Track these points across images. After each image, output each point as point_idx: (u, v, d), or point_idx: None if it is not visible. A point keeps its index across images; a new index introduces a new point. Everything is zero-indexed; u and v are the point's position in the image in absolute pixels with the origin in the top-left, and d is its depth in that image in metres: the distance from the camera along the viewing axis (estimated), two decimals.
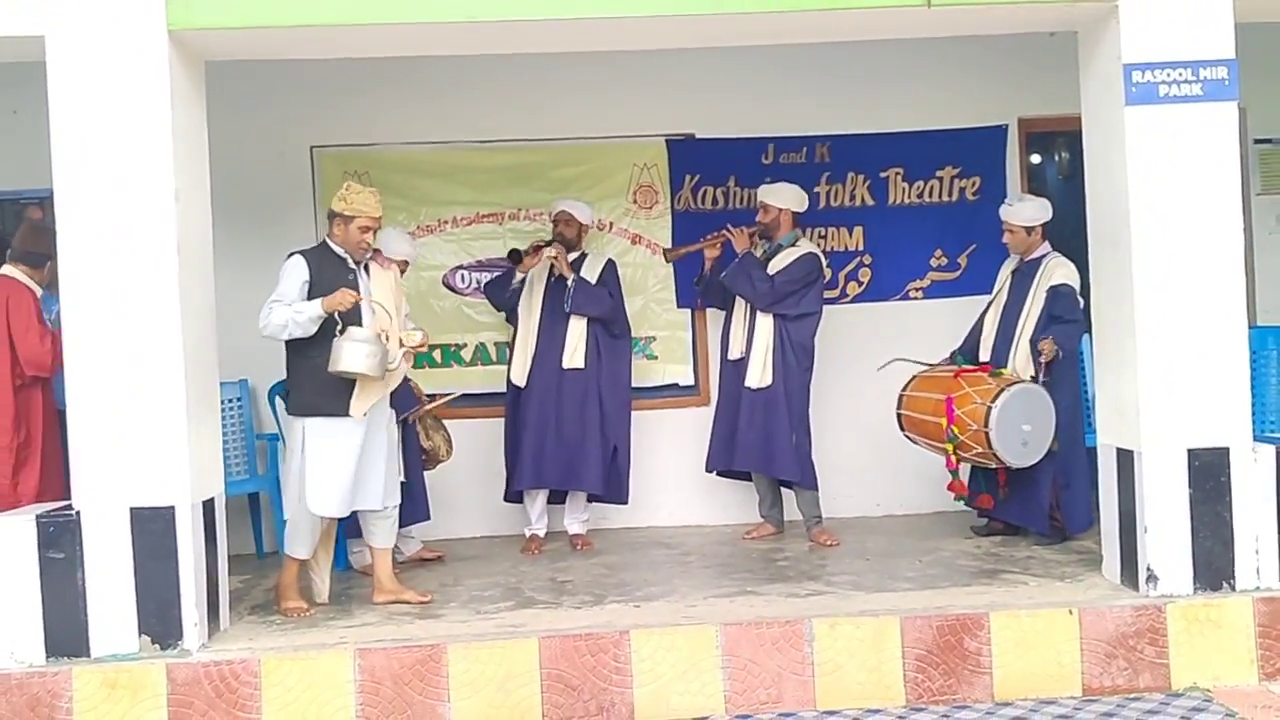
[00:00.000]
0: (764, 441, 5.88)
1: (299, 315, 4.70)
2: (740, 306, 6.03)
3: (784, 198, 5.99)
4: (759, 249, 6.00)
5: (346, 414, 4.74)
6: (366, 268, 4.95)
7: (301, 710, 4.21)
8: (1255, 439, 4.79)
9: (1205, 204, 4.50)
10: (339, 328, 4.70)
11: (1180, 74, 4.48)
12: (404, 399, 5.35)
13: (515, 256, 5.96)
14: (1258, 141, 6.83)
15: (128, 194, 4.31)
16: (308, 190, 6.46)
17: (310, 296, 4.75)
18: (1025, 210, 5.63)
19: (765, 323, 5.90)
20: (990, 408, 5.15)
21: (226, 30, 4.37)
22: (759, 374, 5.88)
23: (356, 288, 4.79)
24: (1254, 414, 5.65)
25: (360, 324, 4.76)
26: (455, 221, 6.57)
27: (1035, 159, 7.50)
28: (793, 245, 5.97)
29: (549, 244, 5.98)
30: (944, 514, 6.30)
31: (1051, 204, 5.71)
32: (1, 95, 6.12)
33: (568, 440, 5.95)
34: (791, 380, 5.89)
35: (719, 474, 6.22)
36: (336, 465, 4.75)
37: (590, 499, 6.16)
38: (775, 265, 5.90)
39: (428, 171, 6.52)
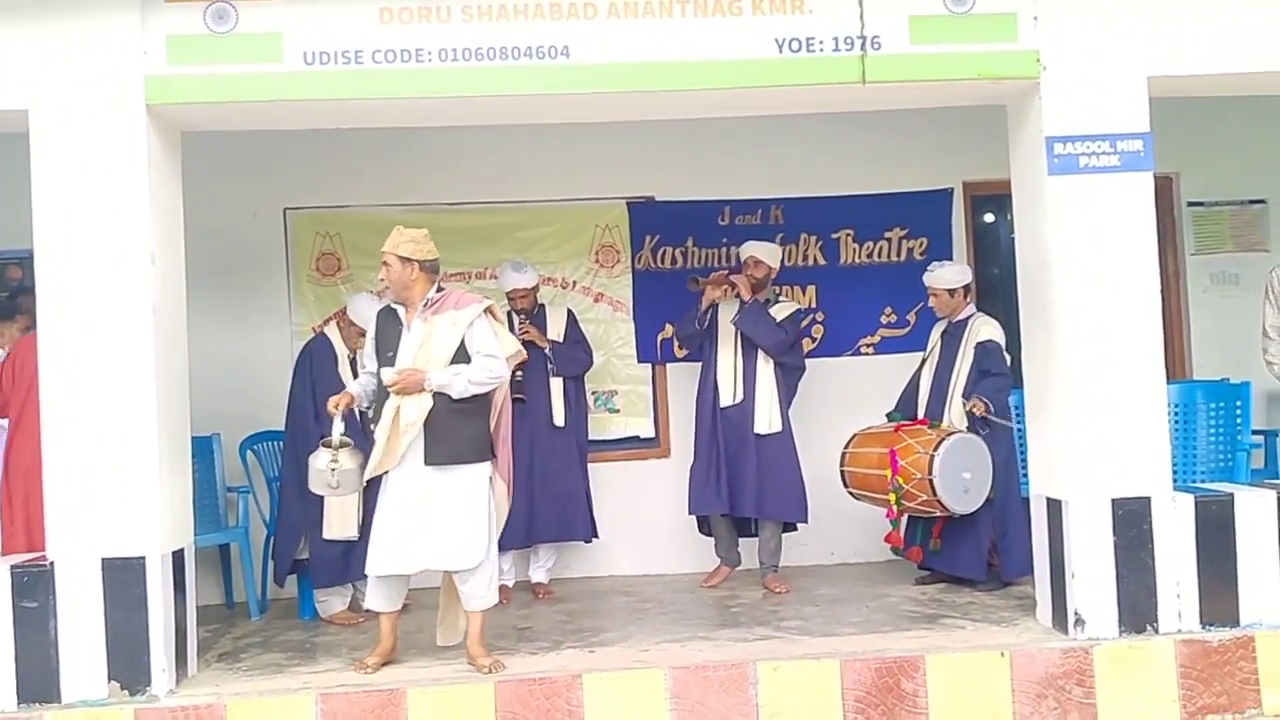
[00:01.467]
0: (777, 487, 6.03)
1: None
2: (730, 354, 6.13)
3: (775, 257, 6.24)
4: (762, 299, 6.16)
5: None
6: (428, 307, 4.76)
7: None
8: (1186, 489, 5.06)
9: (1124, 267, 4.78)
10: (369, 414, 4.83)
11: (1099, 146, 4.78)
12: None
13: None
14: (1190, 204, 7.17)
15: (105, 257, 4.53)
16: (280, 250, 6.70)
17: (377, 354, 4.81)
18: (947, 275, 5.96)
19: (767, 369, 6.07)
20: (933, 456, 5.41)
21: (202, 105, 4.62)
22: (767, 420, 6.05)
23: (396, 339, 4.73)
24: (1185, 465, 5.95)
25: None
26: None
27: (989, 218, 7.81)
28: (777, 301, 6.24)
29: (522, 332, 6.09)
30: (895, 563, 6.50)
31: (1005, 264, 6.00)
32: None
33: (558, 496, 6.17)
34: (788, 426, 6.12)
35: (699, 525, 6.39)
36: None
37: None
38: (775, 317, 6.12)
39: None
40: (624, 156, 6.77)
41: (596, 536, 6.39)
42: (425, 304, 4.75)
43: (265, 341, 6.60)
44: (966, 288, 6.01)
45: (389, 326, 4.82)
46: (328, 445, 4.69)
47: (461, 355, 4.66)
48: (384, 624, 4.82)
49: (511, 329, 6.04)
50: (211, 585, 6.30)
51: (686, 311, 6.27)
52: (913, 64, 4.71)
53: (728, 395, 6.14)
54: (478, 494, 4.70)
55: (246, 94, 4.60)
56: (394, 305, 4.86)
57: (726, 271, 6.30)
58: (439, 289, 4.81)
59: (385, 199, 6.72)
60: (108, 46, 4.54)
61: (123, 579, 4.47)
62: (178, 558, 4.67)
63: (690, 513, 6.34)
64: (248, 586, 6.06)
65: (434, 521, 4.62)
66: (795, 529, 6.29)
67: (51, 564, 4.49)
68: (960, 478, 5.43)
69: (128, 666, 4.48)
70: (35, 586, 4.47)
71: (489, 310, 4.79)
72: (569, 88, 4.71)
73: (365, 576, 4.84)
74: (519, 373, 5.79)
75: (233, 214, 6.55)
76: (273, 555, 5.96)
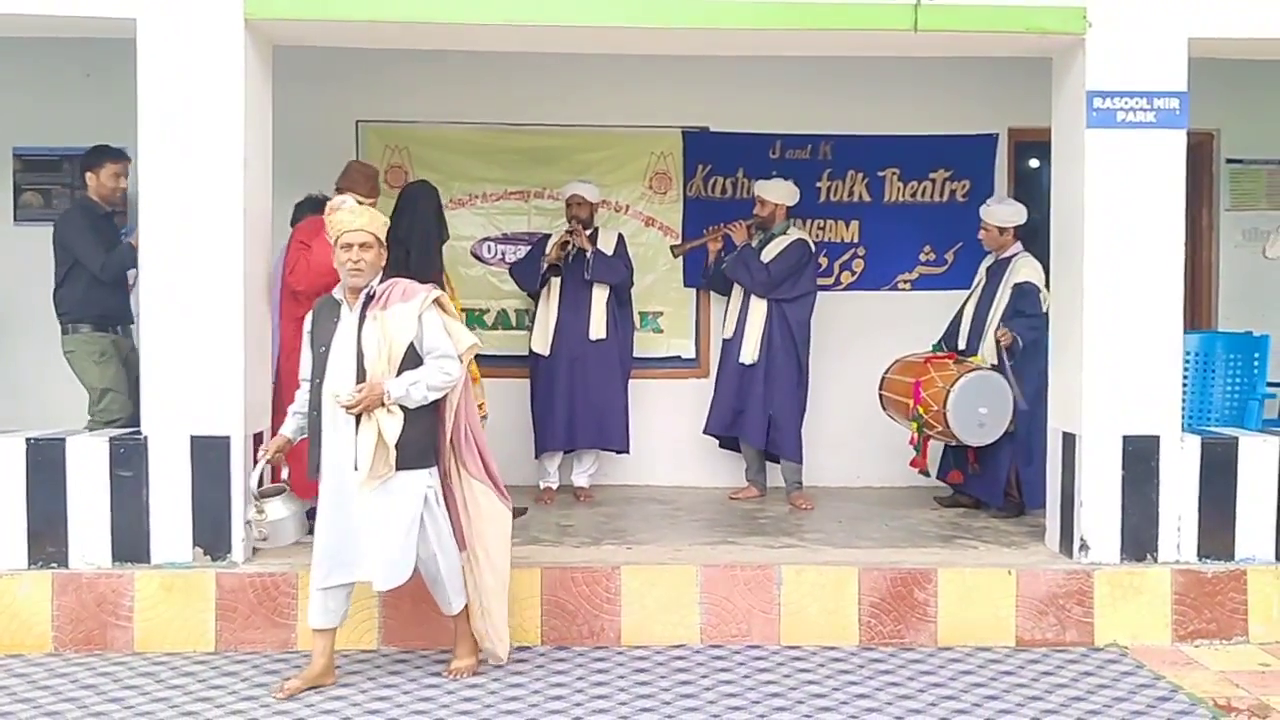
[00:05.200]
0: (746, 413, 6.55)
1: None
2: (736, 292, 6.67)
3: (778, 193, 6.61)
4: (755, 239, 6.58)
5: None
6: (366, 305, 4.29)
7: None
8: (1195, 431, 5.38)
9: (1152, 220, 5.06)
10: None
11: (1137, 102, 5.03)
12: None
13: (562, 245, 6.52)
14: (1229, 161, 7.36)
15: (202, 160, 4.90)
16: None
17: (311, 347, 4.39)
18: (1001, 211, 6.23)
19: (759, 306, 6.53)
20: (948, 390, 5.75)
21: (298, 21, 4.96)
22: (751, 352, 6.52)
23: (332, 334, 4.29)
24: (1199, 410, 6.26)
25: (325, 372, 4.30)
26: (485, 197, 7.17)
27: (1033, 163, 8.02)
28: (784, 234, 6.57)
29: (569, 232, 6.53)
30: (918, 488, 6.86)
31: (1045, 208, 6.25)
32: (76, 59, 6.71)
33: (595, 405, 6.58)
34: (777, 359, 6.50)
35: (720, 443, 6.85)
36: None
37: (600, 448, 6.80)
38: (769, 253, 6.51)
39: (461, 149, 7.11)
40: (681, 87, 7.04)
41: (627, 451, 6.79)
42: (372, 297, 4.29)
43: None
44: (1017, 228, 6.28)
45: (327, 319, 4.34)
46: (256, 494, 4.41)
47: (411, 353, 4.28)
48: (317, 643, 4.39)
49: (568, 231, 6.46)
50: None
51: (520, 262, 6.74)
52: (964, 15, 4.96)
53: (728, 329, 6.67)
54: (408, 505, 4.28)
55: (341, 12, 4.92)
56: (337, 296, 4.36)
57: (720, 226, 6.72)
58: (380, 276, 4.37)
59: (452, 116, 7.06)
60: None
61: (209, 455, 4.91)
62: (258, 439, 5.10)
63: (703, 431, 6.82)
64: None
65: (364, 532, 4.28)
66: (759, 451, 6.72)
67: (145, 438, 4.94)
68: (976, 412, 5.78)
69: (211, 534, 4.95)
70: (130, 458, 4.92)
71: (437, 301, 4.38)
72: (633, 20, 4.99)
73: None
74: (569, 236, 6.35)
75: (307, 125, 6.84)
76: None
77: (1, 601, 4.80)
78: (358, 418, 4.23)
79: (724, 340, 6.72)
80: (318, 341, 4.35)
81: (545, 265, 6.56)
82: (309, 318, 4.45)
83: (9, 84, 6.82)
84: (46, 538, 4.89)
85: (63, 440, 4.95)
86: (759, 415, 6.52)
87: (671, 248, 7.08)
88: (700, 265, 7.00)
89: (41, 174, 7.03)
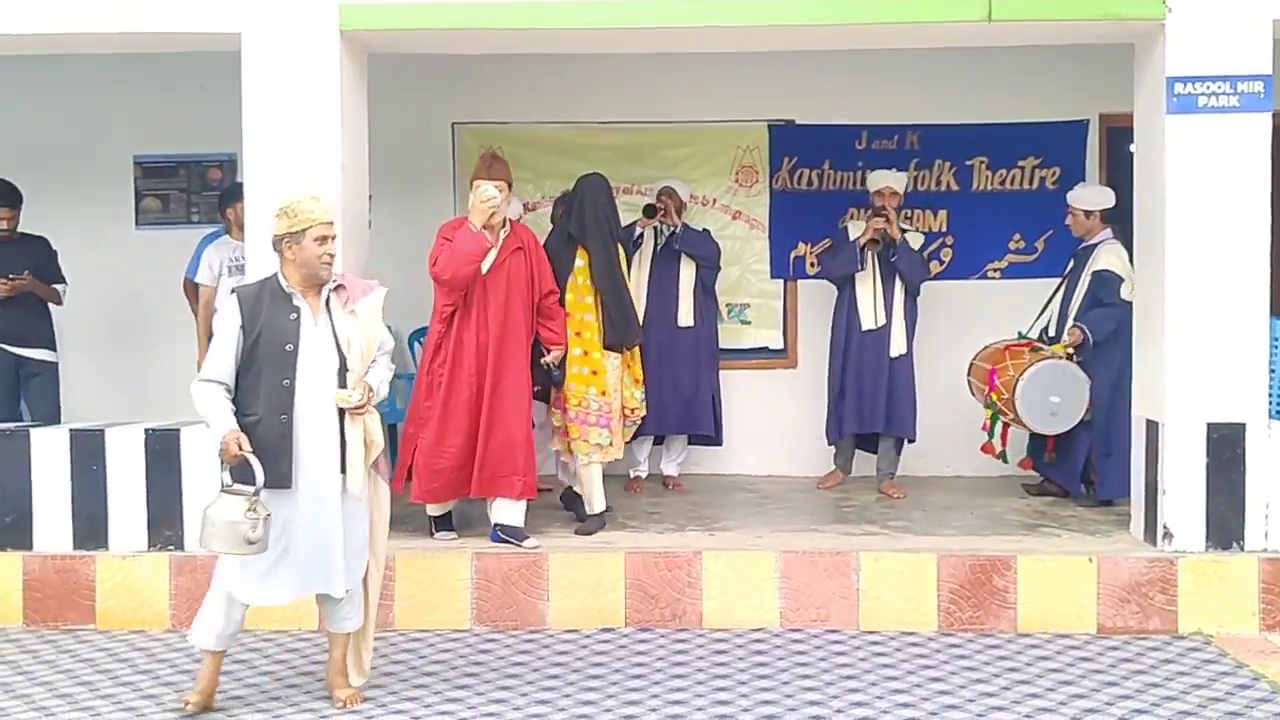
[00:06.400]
0: (898, 405, 6.52)
1: (211, 423, 3.97)
2: (870, 282, 6.49)
3: (903, 183, 6.61)
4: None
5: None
6: (329, 301, 4.10)
7: (426, 599, 5.10)
8: (1273, 418, 5.30)
9: (1235, 204, 5.01)
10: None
11: (1219, 86, 4.98)
12: None
13: (650, 211, 6.57)
14: None
15: (303, 164, 5.17)
16: (448, 161, 7.34)
17: (246, 345, 3.99)
18: (1086, 195, 6.22)
19: (901, 296, 6.52)
20: (1018, 380, 5.77)
21: (390, 31, 5.21)
22: (901, 342, 6.52)
23: (296, 330, 4.01)
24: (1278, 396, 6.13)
25: (296, 372, 4.00)
26: None
27: (1131, 149, 7.90)
28: (910, 229, 6.64)
29: (655, 206, 6.60)
30: (1007, 478, 6.85)
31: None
32: (191, 71, 7.07)
33: (684, 391, 6.71)
34: (913, 350, 6.58)
35: (856, 441, 6.78)
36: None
37: (691, 440, 6.92)
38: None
39: (553, 148, 7.31)
40: (766, 81, 7.13)
41: (720, 442, 6.88)
42: (335, 289, 4.13)
43: (431, 243, 7.21)
44: (1104, 212, 6.23)
45: (279, 314, 4.03)
46: (235, 492, 3.85)
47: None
48: (212, 664, 4.17)
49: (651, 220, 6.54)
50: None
51: (834, 251, 6.70)
52: (1039, 3, 4.98)
53: (869, 320, 6.54)
54: (365, 507, 4.14)
55: (432, 21, 5.15)
56: (287, 289, 4.06)
57: (883, 220, 6.42)
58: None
59: (544, 116, 7.28)
60: None
61: None
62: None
63: (839, 436, 6.71)
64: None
65: (340, 540, 4.06)
66: (908, 443, 6.71)
67: (101, 431, 5.27)
68: (1047, 401, 5.78)
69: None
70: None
71: None
72: (717, 20, 5.13)
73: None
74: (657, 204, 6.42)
75: (404, 128, 7.14)
76: None
77: (125, 582, 5.16)
78: (341, 420, 4.04)
79: (864, 332, 6.51)
80: (276, 338, 3.99)
81: (638, 233, 6.56)
82: (234, 307, 4.04)
83: (129, 95, 7.23)
84: (164, 522, 5.22)
85: (177, 431, 5.28)
86: (909, 406, 6.53)
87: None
88: (786, 253, 7.06)
89: (160, 180, 7.45)
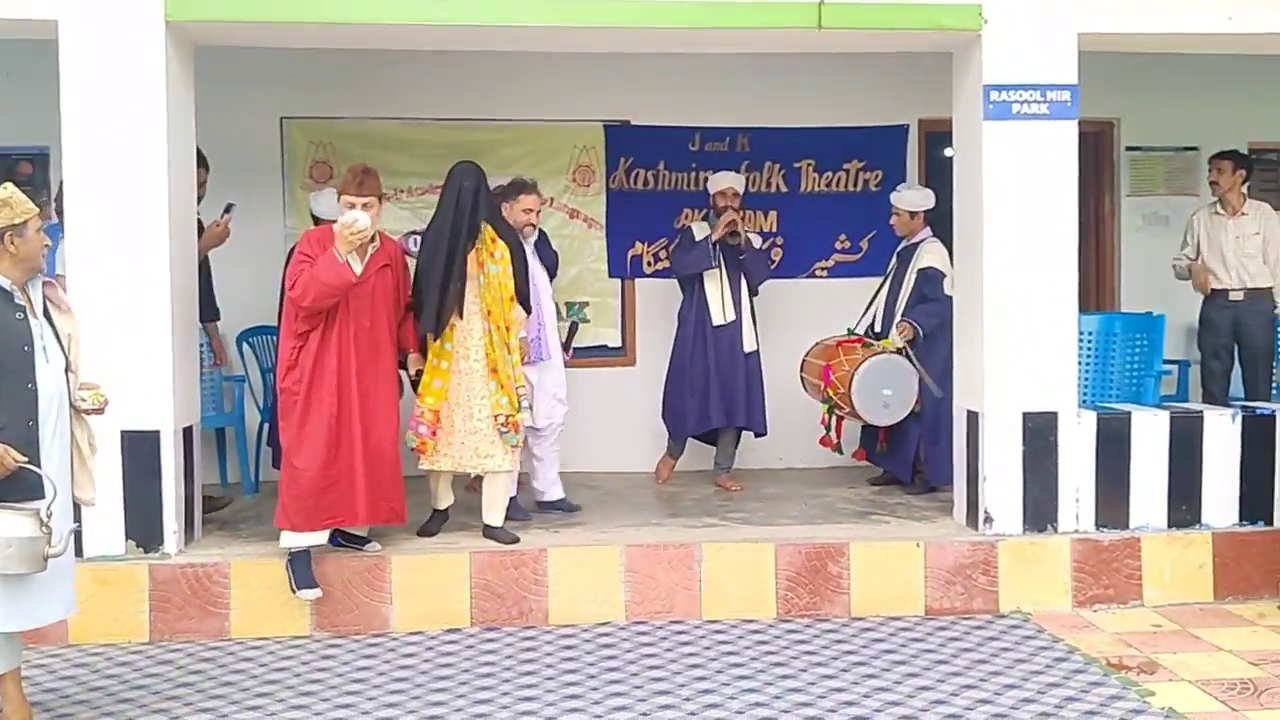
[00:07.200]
0: (753, 400, 6.65)
1: None
2: (720, 279, 6.58)
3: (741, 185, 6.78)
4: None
5: None
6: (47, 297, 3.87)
7: (264, 606, 4.96)
8: (1092, 407, 5.66)
9: (1047, 206, 5.33)
10: None
11: (1030, 94, 5.29)
12: None
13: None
14: (1129, 149, 7.70)
15: (126, 159, 4.97)
16: (276, 157, 7.13)
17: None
18: (910, 197, 6.51)
19: (746, 294, 6.66)
20: (853, 374, 6.00)
21: (218, 22, 5.05)
22: (752, 339, 6.66)
23: (27, 329, 3.74)
24: (1100, 387, 6.56)
25: (35, 369, 3.74)
26: (410, 191, 7.28)
27: (948, 153, 8.29)
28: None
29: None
30: (838, 469, 7.09)
31: (953, 196, 6.47)
32: None
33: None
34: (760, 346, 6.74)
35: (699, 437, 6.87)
36: None
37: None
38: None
39: (386, 145, 7.19)
40: (602, 82, 7.19)
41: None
42: (44, 282, 3.91)
43: (261, 241, 6.99)
44: (926, 213, 6.53)
45: (6, 314, 3.74)
46: (13, 508, 3.57)
47: None
48: (12, 687, 3.87)
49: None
50: (209, 465, 6.81)
51: (685, 249, 6.66)
52: (866, 13, 5.19)
53: (719, 316, 6.64)
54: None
55: (259, 13, 5.02)
56: (8, 287, 3.75)
57: (736, 218, 6.54)
58: None
59: (376, 112, 7.15)
60: None
61: (140, 449, 4.99)
62: (187, 434, 5.19)
63: (688, 434, 6.79)
64: (242, 467, 6.60)
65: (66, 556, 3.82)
66: (756, 436, 6.89)
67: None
68: (880, 394, 6.03)
69: (143, 527, 5.03)
70: None
71: None
72: (555, 20, 5.16)
73: None
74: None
75: (231, 122, 6.91)
76: (269, 442, 6.46)
77: None
78: (71, 423, 3.86)
79: (715, 327, 6.58)
80: (12, 340, 3.70)
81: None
82: None
83: None
84: None
85: None
86: (761, 401, 6.67)
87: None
88: (624, 253, 7.14)
89: None
